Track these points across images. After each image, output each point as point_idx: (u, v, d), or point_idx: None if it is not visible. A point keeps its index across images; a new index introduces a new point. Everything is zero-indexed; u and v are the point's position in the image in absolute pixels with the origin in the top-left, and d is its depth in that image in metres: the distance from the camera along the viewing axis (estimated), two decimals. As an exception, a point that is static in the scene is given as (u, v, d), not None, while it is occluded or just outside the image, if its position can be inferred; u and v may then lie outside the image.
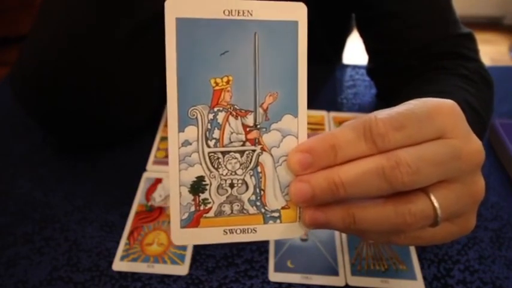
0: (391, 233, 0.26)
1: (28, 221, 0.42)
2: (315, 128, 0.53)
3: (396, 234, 0.26)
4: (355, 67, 0.66)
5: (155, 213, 0.42)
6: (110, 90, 0.44)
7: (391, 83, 0.52)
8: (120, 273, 0.38)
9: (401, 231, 0.25)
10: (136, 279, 0.37)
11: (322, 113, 0.55)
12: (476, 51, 0.49)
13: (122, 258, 0.39)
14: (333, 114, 0.55)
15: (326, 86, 0.62)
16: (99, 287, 0.37)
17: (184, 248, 0.39)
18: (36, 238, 0.40)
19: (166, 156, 0.48)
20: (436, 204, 0.24)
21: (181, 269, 0.38)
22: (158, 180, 0.45)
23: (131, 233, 0.41)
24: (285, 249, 0.40)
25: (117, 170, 0.47)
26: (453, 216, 0.25)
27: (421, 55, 0.48)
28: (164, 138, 0.50)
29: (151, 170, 0.47)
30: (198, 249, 0.40)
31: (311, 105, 0.56)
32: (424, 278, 0.38)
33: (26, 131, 0.52)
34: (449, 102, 0.25)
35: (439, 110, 0.24)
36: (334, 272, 0.38)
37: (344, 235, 0.41)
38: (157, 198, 0.44)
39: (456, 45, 0.48)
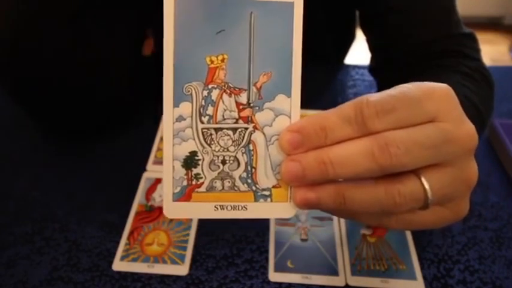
0: (381, 215, 0.26)
1: (28, 221, 0.42)
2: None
3: (387, 217, 0.26)
4: (355, 67, 0.66)
5: (155, 213, 0.42)
6: (79, 57, 0.45)
7: (393, 80, 0.52)
8: (120, 273, 0.38)
9: (392, 212, 0.25)
10: (136, 279, 0.37)
11: (322, 113, 0.55)
12: (477, 51, 0.49)
13: (122, 258, 0.39)
14: (333, 114, 0.55)
15: (326, 86, 0.62)
16: (99, 287, 0.37)
17: (184, 248, 0.39)
18: (36, 238, 0.40)
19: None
20: (426, 186, 0.24)
21: (181, 269, 0.38)
22: (158, 180, 0.45)
23: (131, 233, 0.41)
24: (285, 249, 0.40)
25: (117, 170, 0.48)
26: (445, 200, 0.25)
27: (423, 53, 0.48)
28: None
29: (151, 170, 0.47)
30: (198, 249, 0.40)
31: (311, 105, 0.56)
32: (424, 278, 0.38)
33: (26, 131, 0.52)
34: (443, 86, 0.25)
35: (432, 94, 0.24)
36: (334, 272, 0.38)
37: (344, 235, 0.41)
38: (157, 198, 0.44)
39: (458, 43, 0.48)
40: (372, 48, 0.55)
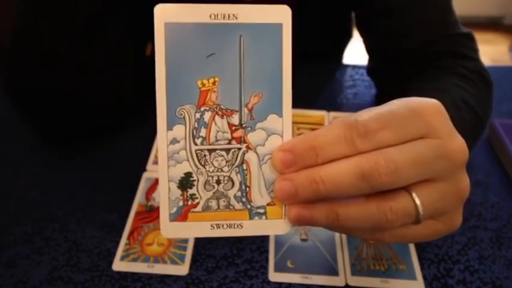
0: (374, 230, 0.26)
1: (28, 221, 0.42)
2: (315, 128, 0.52)
3: (380, 232, 0.26)
4: (355, 67, 0.66)
5: (155, 213, 0.42)
6: (77, 66, 0.44)
7: (390, 82, 0.52)
8: (120, 273, 0.38)
9: (384, 228, 0.25)
10: (136, 279, 0.37)
11: (322, 113, 0.55)
12: (475, 51, 0.49)
13: (122, 258, 0.39)
14: (333, 114, 0.55)
15: (326, 86, 0.62)
16: (99, 287, 0.37)
17: (184, 248, 0.39)
18: (36, 238, 0.40)
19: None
20: (417, 202, 0.24)
21: (181, 269, 0.38)
22: (158, 180, 0.45)
23: (131, 233, 0.41)
24: (285, 249, 0.40)
25: (117, 170, 0.48)
26: (437, 214, 0.26)
27: (420, 54, 0.48)
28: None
29: (151, 170, 0.47)
30: (198, 249, 0.40)
31: (311, 105, 0.56)
32: (424, 278, 0.38)
33: (26, 131, 0.52)
34: (432, 102, 0.25)
35: (421, 110, 0.24)
36: (334, 272, 0.38)
37: (344, 235, 0.41)
38: (157, 198, 0.44)
39: (456, 44, 0.48)
40: (369, 49, 0.55)
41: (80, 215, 0.43)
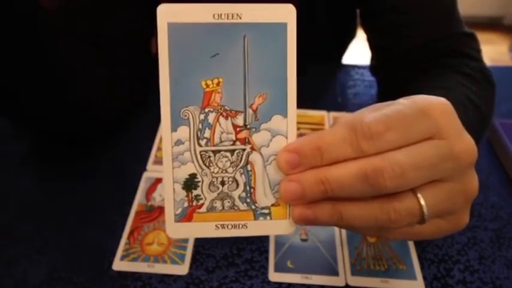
0: (379, 229, 0.26)
1: (28, 220, 0.42)
2: (315, 128, 0.53)
3: (385, 230, 0.26)
4: (355, 67, 0.66)
5: (155, 213, 0.42)
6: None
7: (393, 79, 0.52)
8: (120, 273, 0.38)
9: (388, 227, 0.25)
10: (137, 279, 0.37)
11: (322, 113, 0.55)
12: (479, 51, 0.49)
13: (122, 258, 0.39)
14: (333, 114, 0.55)
15: (326, 86, 0.62)
16: (99, 287, 0.37)
17: (184, 247, 0.39)
18: (36, 238, 0.40)
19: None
20: (422, 202, 0.24)
21: (181, 269, 0.38)
22: (158, 180, 0.45)
23: (131, 232, 0.41)
24: (285, 249, 0.40)
25: (117, 170, 0.47)
26: (443, 214, 0.26)
27: (424, 51, 0.48)
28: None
29: (151, 170, 0.47)
30: (198, 249, 0.40)
31: (312, 105, 0.56)
32: (424, 278, 0.38)
33: (26, 131, 0.52)
34: (440, 101, 0.24)
35: (429, 110, 0.24)
36: (334, 272, 0.38)
37: (344, 235, 0.41)
38: (157, 198, 0.44)
39: (460, 43, 0.48)
40: (372, 47, 0.55)
41: (80, 215, 0.43)
